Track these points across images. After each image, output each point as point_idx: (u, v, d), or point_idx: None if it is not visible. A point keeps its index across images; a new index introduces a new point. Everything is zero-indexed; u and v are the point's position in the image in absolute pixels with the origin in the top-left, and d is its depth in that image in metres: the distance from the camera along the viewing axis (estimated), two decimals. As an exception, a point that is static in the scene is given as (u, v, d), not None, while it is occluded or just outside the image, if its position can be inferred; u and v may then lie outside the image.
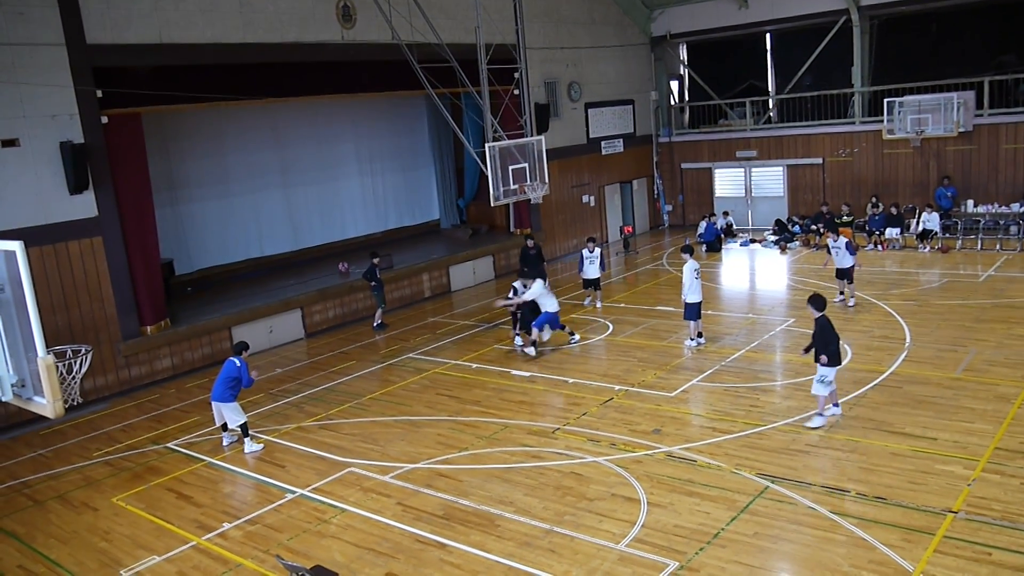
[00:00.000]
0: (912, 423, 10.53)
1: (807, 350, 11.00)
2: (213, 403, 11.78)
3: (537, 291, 14.83)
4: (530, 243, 18.95)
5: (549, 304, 14.86)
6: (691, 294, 14.35)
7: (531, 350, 14.76)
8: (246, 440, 11.73)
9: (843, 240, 16.21)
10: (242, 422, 11.72)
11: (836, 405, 11.00)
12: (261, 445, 11.76)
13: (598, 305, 18.01)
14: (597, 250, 17.88)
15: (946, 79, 22.54)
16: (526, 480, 9.92)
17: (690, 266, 14.43)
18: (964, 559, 7.48)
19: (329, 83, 18.71)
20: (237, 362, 11.62)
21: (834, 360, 10.61)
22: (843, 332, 14.44)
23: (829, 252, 16.70)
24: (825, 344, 10.60)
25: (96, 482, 11.23)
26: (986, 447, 9.66)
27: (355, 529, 9.19)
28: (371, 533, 9.06)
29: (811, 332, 10.89)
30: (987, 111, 22.23)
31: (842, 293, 16.54)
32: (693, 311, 14.47)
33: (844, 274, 16.29)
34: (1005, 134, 22.02)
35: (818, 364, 10.61)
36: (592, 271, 17.86)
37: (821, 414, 10.78)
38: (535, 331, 14.77)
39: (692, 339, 14.55)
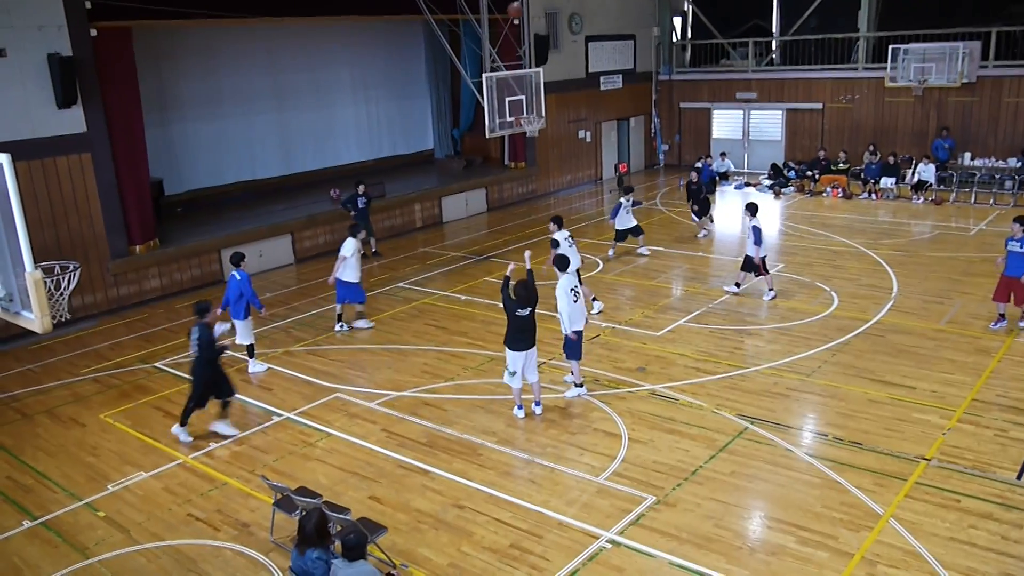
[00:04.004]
0: (892, 372, 10.68)
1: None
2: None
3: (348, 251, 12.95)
4: (693, 176, 19.12)
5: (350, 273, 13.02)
6: (570, 321, 10.16)
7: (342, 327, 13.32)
8: (251, 361, 11.85)
9: (754, 222, 13.73)
10: (249, 343, 11.80)
11: (520, 407, 9.89)
12: (266, 367, 11.86)
13: (644, 250, 16.89)
14: (631, 198, 16.65)
15: (954, 28, 22.20)
16: (510, 412, 10.06)
17: (563, 284, 10.18)
18: (933, 505, 7.68)
19: (324, 3, 18.22)
20: (237, 275, 11.51)
21: (510, 344, 9.52)
22: (831, 279, 14.62)
23: (760, 238, 13.69)
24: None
25: (84, 398, 11.32)
26: (963, 398, 9.84)
27: (340, 453, 9.34)
28: (355, 457, 9.21)
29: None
30: (992, 62, 21.96)
31: (737, 285, 14.07)
32: (573, 347, 10.34)
33: (749, 265, 13.80)
34: (1008, 87, 21.80)
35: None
36: (630, 220, 16.56)
37: (519, 405, 9.83)
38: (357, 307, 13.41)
39: (576, 383, 10.57)
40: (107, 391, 11.54)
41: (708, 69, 27.69)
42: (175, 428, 9.88)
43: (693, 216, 18.81)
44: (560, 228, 13.40)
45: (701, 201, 18.59)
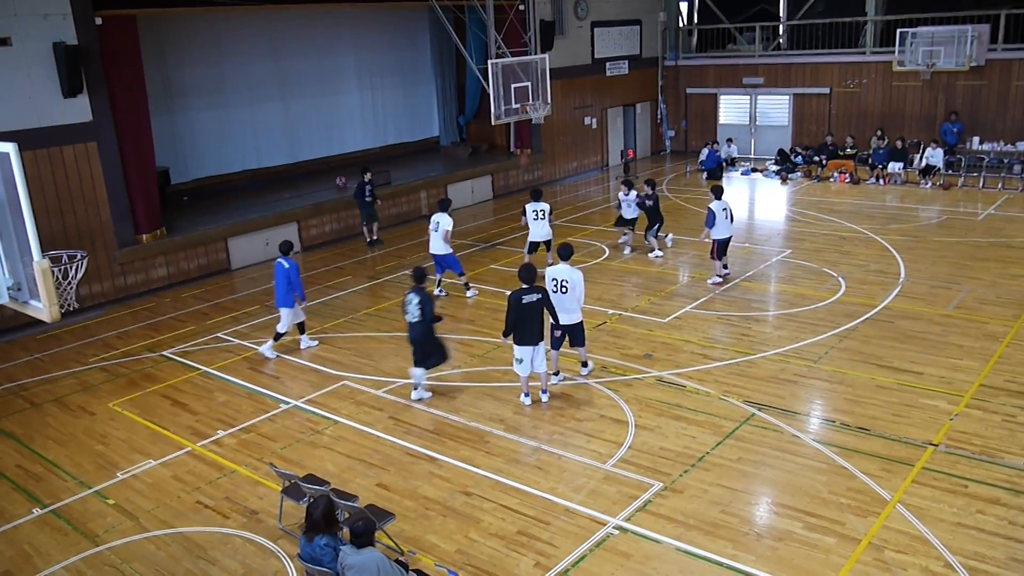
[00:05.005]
0: (900, 357, 10.65)
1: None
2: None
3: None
4: (648, 189, 15.72)
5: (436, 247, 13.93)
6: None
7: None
8: (268, 342, 11.98)
9: (711, 204, 13.56)
10: (281, 331, 11.91)
11: (527, 395, 9.94)
12: (276, 355, 11.93)
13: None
14: (632, 193, 15.79)
15: (963, 10, 22.01)
16: (516, 399, 10.06)
17: (553, 272, 10.13)
18: (940, 490, 7.68)
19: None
20: (285, 264, 11.63)
21: (518, 338, 9.54)
22: (838, 265, 14.57)
23: (712, 221, 13.53)
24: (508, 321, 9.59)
25: (92, 387, 11.37)
26: (971, 383, 9.81)
27: (347, 441, 9.37)
28: (363, 445, 9.24)
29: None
30: (1001, 46, 21.77)
31: (725, 267, 14.16)
32: (551, 336, 10.40)
33: (724, 250, 13.96)
34: (1017, 70, 21.61)
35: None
36: (629, 212, 15.97)
37: (526, 393, 9.94)
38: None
39: (553, 371, 10.48)
40: (115, 380, 11.59)
41: (715, 54, 27.52)
42: (414, 393, 10.23)
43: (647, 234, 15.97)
44: (535, 200, 14.10)
45: (655, 216, 15.84)
